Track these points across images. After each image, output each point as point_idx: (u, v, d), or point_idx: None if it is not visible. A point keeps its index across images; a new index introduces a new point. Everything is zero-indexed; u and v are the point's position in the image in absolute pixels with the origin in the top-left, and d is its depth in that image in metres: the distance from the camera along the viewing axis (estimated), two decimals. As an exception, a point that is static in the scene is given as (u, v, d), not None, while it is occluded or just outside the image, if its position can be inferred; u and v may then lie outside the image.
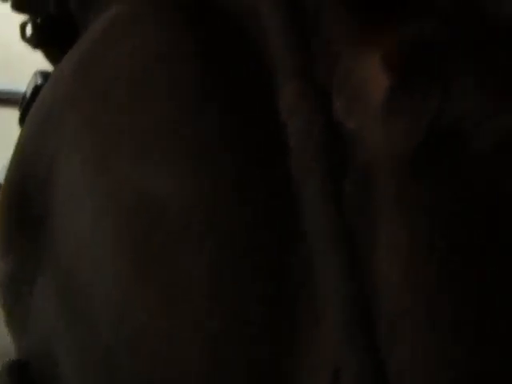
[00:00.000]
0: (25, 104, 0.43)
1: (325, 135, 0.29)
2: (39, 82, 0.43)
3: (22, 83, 0.47)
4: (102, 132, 0.35)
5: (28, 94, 0.43)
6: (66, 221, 0.35)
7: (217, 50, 0.34)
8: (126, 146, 0.33)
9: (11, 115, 0.49)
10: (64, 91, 0.37)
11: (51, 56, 0.46)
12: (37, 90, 0.43)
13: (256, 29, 0.32)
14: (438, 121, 0.29)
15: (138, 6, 0.36)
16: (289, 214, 0.30)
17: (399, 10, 0.30)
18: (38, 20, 0.47)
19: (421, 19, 0.29)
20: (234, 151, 0.32)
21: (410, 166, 0.28)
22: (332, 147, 0.29)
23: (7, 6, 0.46)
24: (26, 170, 0.38)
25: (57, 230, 0.36)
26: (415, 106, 0.29)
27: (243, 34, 0.34)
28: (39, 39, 0.47)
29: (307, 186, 0.29)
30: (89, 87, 0.36)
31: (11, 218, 0.38)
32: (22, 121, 0.43)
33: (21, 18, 0.47)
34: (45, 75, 0.44)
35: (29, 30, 0.47)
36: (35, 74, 0.44)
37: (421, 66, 0.29)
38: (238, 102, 0.33)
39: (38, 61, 0.47)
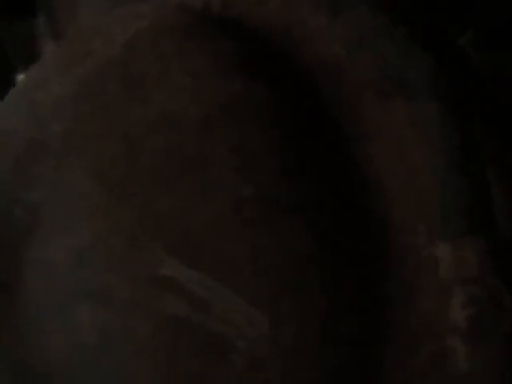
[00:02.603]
0: None
1: None
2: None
3: None
4: (126, 201, 0.28)
5: None
6: (44, 301, 0.29)
7: (288, 103, 0.29)
8: (166, 236, 0.27)
9: None
10: (63, 128, 0.30)
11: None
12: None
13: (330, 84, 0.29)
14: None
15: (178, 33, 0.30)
16: None
17: None
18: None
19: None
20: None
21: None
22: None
23: None
24: None
25: (25, 306, 0.29)
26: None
27: (316, 91, 0.29)
28: None
29: None
30: (108, 131, 0.29)
31: None
32: None
33: None
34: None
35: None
36: None
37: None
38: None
39: None
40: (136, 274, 0.27)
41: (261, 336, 0.26)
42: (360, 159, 0.29)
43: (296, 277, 0.27)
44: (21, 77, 0.45)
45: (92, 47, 0.32)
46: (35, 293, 0.29)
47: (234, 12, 0.32)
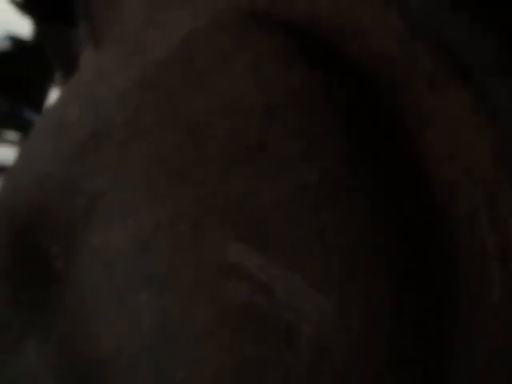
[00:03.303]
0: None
1: None
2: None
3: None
4: (190, 186, 0.28)
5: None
6: (101, 287, 0.29)
7: (345, 92, 0.30)
8: (232, 220, 0.27)
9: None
10: (125, 117, 0.30)
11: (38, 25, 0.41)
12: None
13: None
14: None
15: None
16: None
17: None
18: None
19: None
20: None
21: None
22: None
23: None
24: (45, 204, 0.30)
25: (80, 292, 0.29)
26: None
27: (371, 81, 0.29)
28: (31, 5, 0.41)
29: None
30: (171, 119, 0.29)
31: None
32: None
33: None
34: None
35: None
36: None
37: None
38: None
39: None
40: (200, 259, 0.27)
41: (326, 321, 0.26)
42: (417, 147, 0.29)
43: (362, 261, 0.26)
44: (58, 77, 0.45)
45: (150, 42, 0.33)
46: (92, 280, 0.29)
47: (283, 11, 0.32)
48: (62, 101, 0.33)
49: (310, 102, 0.28)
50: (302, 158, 0.27)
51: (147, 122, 0.30)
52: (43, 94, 0.36)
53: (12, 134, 0.48)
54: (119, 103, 0.31)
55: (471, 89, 0.28)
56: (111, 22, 0.39)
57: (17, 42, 0.43)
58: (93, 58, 0.35)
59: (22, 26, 0.43)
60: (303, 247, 0.26)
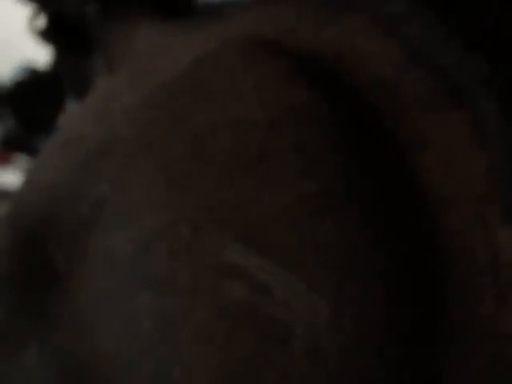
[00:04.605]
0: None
1: None
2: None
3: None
4: (191, 194, 0.29)
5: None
6: (103, 291, 0.29)
7: (344, 112, 0.31)
8: (231, 225, 0.28)
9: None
10: (133, 131, 0.31)
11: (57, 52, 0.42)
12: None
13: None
14: None
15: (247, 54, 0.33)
16: None
17: None
18: (50, 14, 0.43)
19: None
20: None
21: None
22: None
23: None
24: (50, 213, 0.32)
25: (82, 298, 0.30)
26: None
27: (370, 105, 0.31)
28: (52, 34, 0.43)
29: None
30: (176, 133, 0.30)
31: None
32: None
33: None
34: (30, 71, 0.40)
35: (37, 23, 0.43)
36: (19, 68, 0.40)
37: None
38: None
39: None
40: (199, 261, 0.28)
41: (321, 323, 0.27)
42: (414, 168, 0.30)
43: (357, 265, 0.27)
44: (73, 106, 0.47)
45: (160, 65, 0.34)
46: (94, 284, 0.30)
47: (288, 40, 0.34)
48: (74, 117, 0.35)
49: (310, 119, 0.30)
50: (301, 171, 0.29)
51: (154, 136, 0.31)
52: (54, 121, 0.38)
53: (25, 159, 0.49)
54: (128, 119, 0.32)
55: (465, 111, 0.30)
56: (126, 51, 0.41)
57: (33, 73, 0.45)
58: (106, 80, 0.37)
59: (38, 55, 0.45)
60: (300, 250, 0.27)
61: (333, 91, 0.31)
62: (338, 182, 0.29)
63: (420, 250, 0.28)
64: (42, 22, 0.43)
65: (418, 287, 0.28)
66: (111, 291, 0.29)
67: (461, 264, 0.28)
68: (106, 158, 0.31)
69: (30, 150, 0.46)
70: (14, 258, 0.32)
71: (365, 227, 0.28)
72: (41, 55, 0.46)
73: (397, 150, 0.30)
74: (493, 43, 0.31)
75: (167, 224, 0.29)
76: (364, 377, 0.26)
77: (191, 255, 0.28)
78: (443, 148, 0.30)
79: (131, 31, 0.42)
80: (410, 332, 0.27)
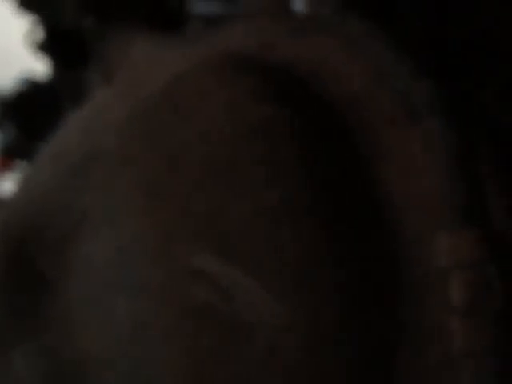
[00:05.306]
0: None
1: None
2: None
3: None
4: (165, 204, 0.31)
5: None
6: (85, 295, 0.32)
7: (311, 126, 0.33)
8: (200, 233, 0.30)
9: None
10: (117, 144, 0.34)
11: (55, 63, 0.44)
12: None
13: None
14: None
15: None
16: None
17: None
18: (48, 26, 0.45)
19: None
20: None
21: None
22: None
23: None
24: (38, 220, 0.34)
25: (66, 301, 0.32)
26: None
27: (338, 119, 0.33)
28: (50, 46, 0.45)
29: None
30: (155, 148, 0.33)
31: None
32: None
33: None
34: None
35: (35, 35, 0.45)
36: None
37: None
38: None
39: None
40: (170, 266, 0.30)
41: (280, 325, 0.29)
42: (375, 180, 0.32)
43: (313, 272, 0.29)
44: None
45: (148, 78, 0.37)
46: (77, 289, 0.32)
47: (267, 55, 0.36)
48: (64, 130, 0.37)
49: (275, 133, 0.32)
50: (265, 182, 0.31)
51: (134, 148, 0.33)
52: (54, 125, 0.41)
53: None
54: (113, 132, 0.35)
55: (419, 128, 0.32)
56: (122, 63, 0.43)
57: (33, 83, 0.47)
58: (101, 91, 0.39)
59: (37, 65, 0.47)
60: (262, 258, 0.29)
61: (301, 105, 0.33)
62: (299, 193, 0.31)
63: (376, 260, 0.30)
64: (39, 34, 0.46)
65: (371, 290, 0.30)
66: (93, 296, 0.31)
67: (414, 270, 0.30)
68: (90, 171, 0.34)
69: (31, 157, 0.49)
70: (4, 264, 0.34)
71: (322, 236, 0.30)
72: (40, 65, 0.48)
73: (360, 162, 0.32)
74: (441, 68, 0.33)
75: (143, 232, 0.31)
76: (318, 374, 0.29)
77: (163, 261, 0.30)
78: (402, 161, 0.32)
79: (128, 43, 0.45)
80: (361, 332, 0.29)
